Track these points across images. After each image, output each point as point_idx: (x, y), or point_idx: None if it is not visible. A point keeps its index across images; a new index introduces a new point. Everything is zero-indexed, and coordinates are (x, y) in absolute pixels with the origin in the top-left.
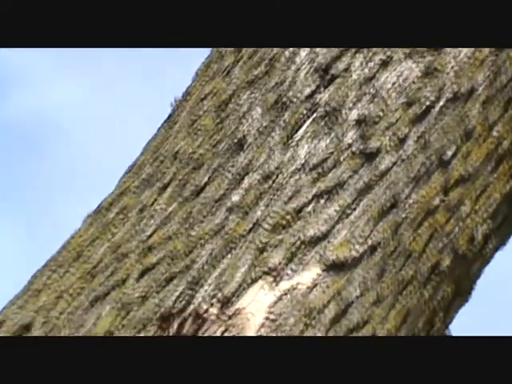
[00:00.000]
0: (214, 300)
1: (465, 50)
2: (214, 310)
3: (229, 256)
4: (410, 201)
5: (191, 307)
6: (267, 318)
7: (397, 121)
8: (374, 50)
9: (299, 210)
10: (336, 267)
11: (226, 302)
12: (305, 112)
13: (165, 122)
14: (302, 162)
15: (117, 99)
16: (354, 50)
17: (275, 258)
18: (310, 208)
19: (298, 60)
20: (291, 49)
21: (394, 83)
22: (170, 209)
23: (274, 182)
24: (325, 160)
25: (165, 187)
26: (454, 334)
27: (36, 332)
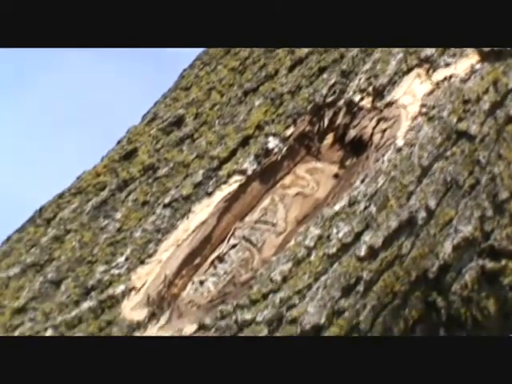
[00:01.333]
0: (367, 91)
1: None
2: (367, 101)
3: (380, 48)
4: None
5: (344, 98)
6: (422, 108)
7: None
8: None
9: None
10: (492, 56)
11: (379, 93)
12: None
13: None
14: None
15: None
16: None
17: (428, 49)
18: None
19: None
20: None
21: None
22: None
23: None
24: None
25: None
26: None
27: (188, 125)
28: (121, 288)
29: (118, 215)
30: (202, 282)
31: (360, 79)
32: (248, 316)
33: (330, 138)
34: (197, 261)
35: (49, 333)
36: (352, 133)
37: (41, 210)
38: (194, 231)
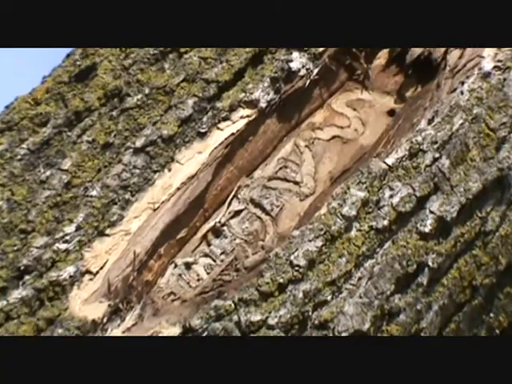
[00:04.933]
0: None
1: None
2: None
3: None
4: None
5: None
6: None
7: None
8: None
9: None
10: None
11: None
12: None
13: None
14: None
15: None
16: None
17: None
18: None
19: None
20: None
21: None
22: None
23: None
24: None
25: None
26: None
27: None
28: (69, 271)
29: (67, 164)
30: (188, 266)
31: None
32: (256, 317)
33: (382, 56)
34: (182, 234)
35: None
36: (416, 49)
37: None
38: (178, 189)
